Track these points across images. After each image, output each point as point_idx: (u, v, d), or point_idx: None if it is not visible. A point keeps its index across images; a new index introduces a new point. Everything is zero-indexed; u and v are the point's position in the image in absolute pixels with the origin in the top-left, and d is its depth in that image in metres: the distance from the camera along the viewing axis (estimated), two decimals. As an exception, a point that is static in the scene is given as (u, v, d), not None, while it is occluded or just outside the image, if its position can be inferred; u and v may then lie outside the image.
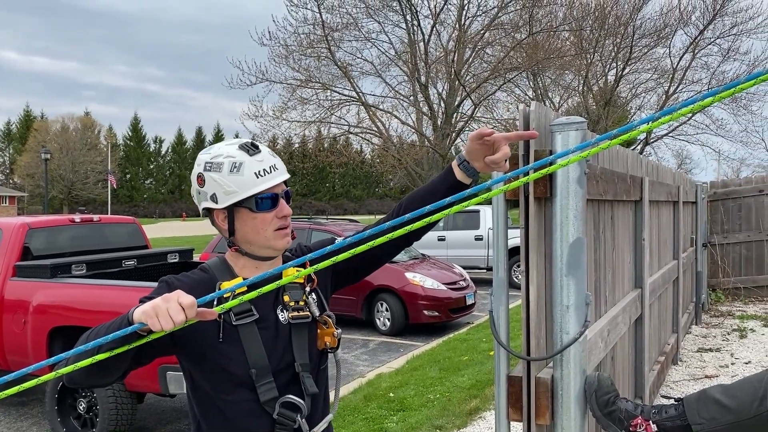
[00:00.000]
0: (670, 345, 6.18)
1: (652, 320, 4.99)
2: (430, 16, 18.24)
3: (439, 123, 19.33)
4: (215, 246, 10.24)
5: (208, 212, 1.64)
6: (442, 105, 19.52)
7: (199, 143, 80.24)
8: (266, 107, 18.87)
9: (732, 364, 6.63)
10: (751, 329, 8.22)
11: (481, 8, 18.68)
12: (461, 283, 9.45)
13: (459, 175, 1.67)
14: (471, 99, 19.13)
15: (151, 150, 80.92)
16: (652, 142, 25.35)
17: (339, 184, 78.84)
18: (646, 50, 21.80)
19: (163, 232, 35.77)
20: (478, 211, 13.99)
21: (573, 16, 19.03)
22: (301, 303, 1.66)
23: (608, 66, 22.42)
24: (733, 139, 23.61)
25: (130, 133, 79.58)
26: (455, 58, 18.47)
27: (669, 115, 1.12)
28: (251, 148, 1.60)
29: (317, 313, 1.68)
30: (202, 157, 1.62)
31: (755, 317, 9.02)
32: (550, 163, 1.45)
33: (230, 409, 1.57)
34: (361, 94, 18.67)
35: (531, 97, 23.18)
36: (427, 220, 1.34)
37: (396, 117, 19.85)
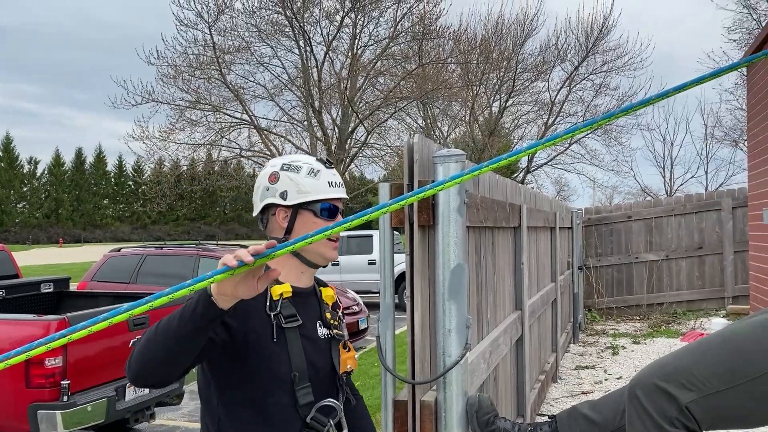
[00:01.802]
0: (549, 364, 6.51)
1: (533, 340, 5.25)
2: (323, 43, 18.44)
3: (333, 148, 19.46)
4: (95, 273, 9.65)
5: (264, 211, 1.73)
6: (336, 131, 19.68)
7: (79, 165, 75.65)
8: (153, 128, 18.03)
9: (605, 380, 7.08)
10: (622, 346, 8.82)
11: (372, 38, 19.12)
12: (354, 308, 9.49)
13: None
14: (364, 126, 19.43)
15: (24, 171, 75.36)
16: (533, 171, 26.83)
17: (230, 208, 76.94)
18: (527, 84, 23.16)
19: (36, 260, 33.26)
20: (371, 236, 14.24)
21: (460, 50, 19.88)
22: (336, 322, 1.78)
23: (493, 98, 23.56)
24: (606, 168, 25.52)
25: (0, 154, 73.85)
26: (348, 86, 18.73)
27: (523, 152, 1.21)
28: (327, 162, 1.77)
29: (346, 336, 1.80)
30: (277, 160, 1.77)
31: (626, 335, 9.69)
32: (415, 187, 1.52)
33: (267, 411, 1.60)
34: (253, 117, 18.46)
35: (421, 125, 23.90)
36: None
37: (290, 141, 19.77)
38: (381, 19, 18.67)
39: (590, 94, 23.27)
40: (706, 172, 27.58)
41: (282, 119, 19.70)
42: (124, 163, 75.37)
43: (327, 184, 1.72)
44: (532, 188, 22.14)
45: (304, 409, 1.61)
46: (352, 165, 21.72)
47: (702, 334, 8.70)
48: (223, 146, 19.11)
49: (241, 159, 20.24)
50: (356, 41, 18.78)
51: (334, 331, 1.75)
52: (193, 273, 8.62)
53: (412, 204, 2.23)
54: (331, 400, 1.65)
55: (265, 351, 1.58)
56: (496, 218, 3.51)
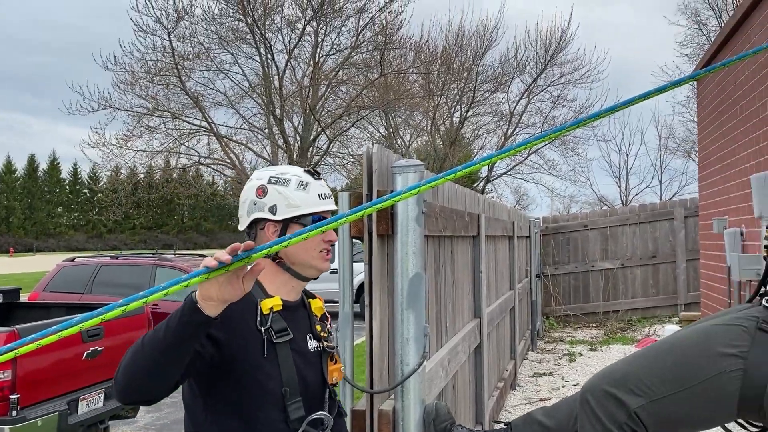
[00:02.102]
0: (508, 371, 6.59)
1: (491, 348, 5.31)
2: (285, 51, 18.39)
3: (294, 156, 19.37)
4: (47, 284, 9.38)
5: (252, 226, 1.70)
6: (298, 139, 19.61)
7: (32, 172, 73.47)
8: (109, 135, 17.66)
9: (563, 386, 7.19)
10: (579, 353, 8.98)
11: (335, 47, 19.15)
12: (314, 317, 9.44)
13: None
14: (326, 134, 19.42)
15: (-28, 178, 72.89)
16: (493, 180, 27.17)
17: (188, 216, 75.70)
18: (487, 95, 23.49)
19: (-15, 269, 32.16)
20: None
21: (421, 60, 20.05)
22: (326, 334, 1.77)
23: (453, 108, 23.82)
24: (564, 178, 26.01)
25: (-53, 159, 71.29)
26: (310, 94, 18.70)
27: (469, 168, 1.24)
28: (315, 174, 1.75)
29: (337, 348, 1.79)
30: (264, 173, 1.74)
31: (583, 342, 9.87)
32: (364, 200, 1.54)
33: (256, 424, 1.59)
34: (213, 124, 18.26)
35: (383, 134, 24.00)
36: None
37: (250, 149, 19.62)
38: (343, 28, 18.72)
39: (548, 105, 23.73)
40: (660, 182, 28.37)
41: (242, 127, 19.53)
42: (79, 170, 73.54)
43: (317, 197, 1.70)
44: (493, 197, 22.43)
45: (295, 423, 1.61)
46: (314, 173, 21.61)
47: (655, 340, 8.92)
48: (181, 154, 18.84)
49: (200, 167, 19.99)
50: (318, 50, 18.78)
51: (325, 343, 1.74)
52: (150, 283, 8.46)
53: (371, 214, 2.24)
54: (322, 413, 1.65)
55: (255, 366, 1.57)
56: (455, 227, 3.55)
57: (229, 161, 18.88)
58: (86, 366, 4.89)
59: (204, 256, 11.48)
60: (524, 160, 25.07)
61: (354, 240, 2.43)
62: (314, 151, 20.44)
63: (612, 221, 11.81)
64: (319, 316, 1.80)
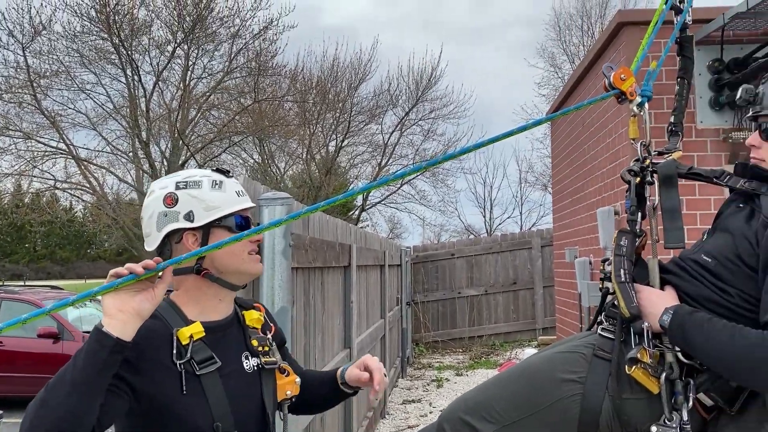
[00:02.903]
0: (378, 400, 6.65)
1: (362, 378, 5.33)
2: (153, 73, 17.72)
3: (160, 182, 18.58)
4: None
5: (165, 242, 1.52)
6: (165, 163, 18.85)
7: None
8: (-51, 155, 16.07)
9: (430, 413, 7.36)
10: (446, 379, 9.25)
11: (206, 71, 18.74)
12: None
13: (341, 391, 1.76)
14: (196, 159, 18.83)
15: None
16: (368, 209, 27.62)
17: (41, 244, 69.92)
18: (362, 125, 23.94)
19: None
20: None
21: (297, 89, 20.12)
22: (267, 348, 1.59)
23: (329, 137, 24.01)
24: (434, 208, 26.93)
25: None
26: (179, 117, 18.11)
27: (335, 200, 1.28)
28: (226, 172, 1.60)
29: (280, 361, 1.61)
30: (167, 180, 1.55)
31: (450, 367, 10.19)
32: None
33: None
34: (71, 146, 17.13)
35: (257, 161, 23.68)
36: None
37: (112, 173, 18.59)
38: (216, 52, 18.38)
39: (420, 138, 24.57)
40: (521, 213, 30.12)
41: (104, 150, 18.48)
42: None
43: (235, 195, 1.55)
44: (367, 226, 22.63)
45: None
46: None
47: (515, 363, 9.40)
48: (34, 177, 17.47)
49: (56, 191, 18.62)
50: (189, 73, 18.28)
51: (264, 359, 1.56)
52: (-7, 318, 7.69)
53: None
54: None
55: (176, 404, 1.40)
56: (326, 258, 3.57)
57: (88, 186, 17.75)
58: None
59: (58, 288, 10.62)
60: (397, 190, 25.73)
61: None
62: (183, 176, 19.72)
63: (477, 250, 12.38)
64: (259, 327, 1.62)
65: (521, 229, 28.24)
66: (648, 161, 1.89)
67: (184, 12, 16.83)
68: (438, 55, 29.91)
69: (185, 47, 17.65)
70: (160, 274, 1.34)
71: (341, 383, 1.73)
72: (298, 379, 1.63)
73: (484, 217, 30.05)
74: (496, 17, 36.75)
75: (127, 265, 1.22)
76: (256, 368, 1.56)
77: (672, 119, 2.03)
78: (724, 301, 1.63)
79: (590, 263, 6.74)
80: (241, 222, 1.56)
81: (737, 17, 4.72)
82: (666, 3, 1.95)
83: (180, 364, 1.41)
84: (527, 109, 26.97)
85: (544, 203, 28.35)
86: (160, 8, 17.01)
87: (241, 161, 23.06)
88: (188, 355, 1.43)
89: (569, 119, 7.84)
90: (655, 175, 1.87)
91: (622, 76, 1.86)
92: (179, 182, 1.53)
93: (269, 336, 1.63)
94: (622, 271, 1.76)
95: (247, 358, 1.55)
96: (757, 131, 1.73)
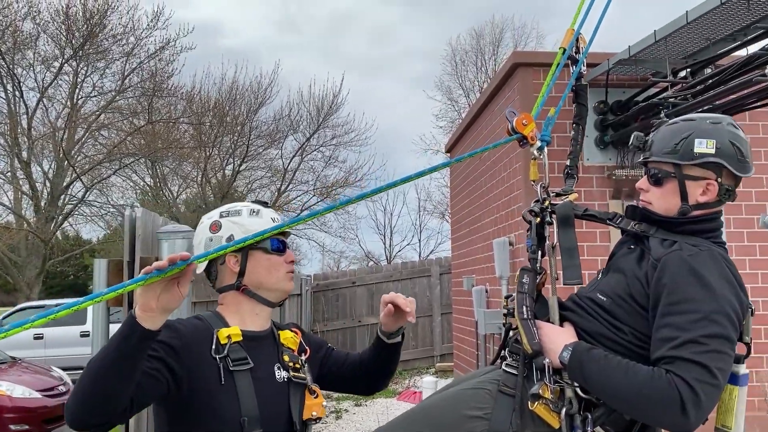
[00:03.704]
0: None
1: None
2: (36, 89, 16.69)
3: (42, 204, 17.41)
4: None
5: (212, 264, 1.73)
6: (48, 185, 17.70)
7: None
8: None
9: (330, 444, 7.25)
10: (345, 410, 9.16)
11: (96, 89, 17.89)
12: (60, 388, 8.37)
13: (384, 339, 1.93)
14: (82, 181, 17.82)
15: None
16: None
17: None
18: (261, 150, 23.61)
19: None
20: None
21: (193, 110, 19.60)
22: (298, 366, 1.72)
23: (226, 161, 23.50)
24: (335, 235, 26.88)
25: None
26: (65, 137, 17.11)
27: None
28: (264, 203, 1.82)
29: (311, 382, 1.73)
30: (213, 212, 1.80)
31: (349, 398, 10.10)
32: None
33: None
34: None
35: (149, 184, 22.73)
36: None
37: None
38: (107, 70, 17.60)
39: (321, 164, 24.56)
40: (420, 241, 30.71)
41: (-22, 169, 17.13)
42: None
43: (271, 221, 1.75)
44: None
45: None
46: (66, 223, 19.64)
47: (415, 392, 9.48)
48: None
49: None
50: (77, 90, 17.36)
51: (293, 373, 1.69)
52: None
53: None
54: None
55: (211, 394, 1.56)
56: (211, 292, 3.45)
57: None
58: None
59: None
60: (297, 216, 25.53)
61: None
62: (67, 199, 18.61)
63: (378, 278, 12.46)
64: (296, 348, 1.76)
65: (420, 256, 28.77)
66: (547, 202, 1.97)
67: (74, 27, 16.02)
68: (340, 83, 30.01)
69: (74, 64, 16.79)
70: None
71: (385, 338, 1.91)
72: (325, 402, 1.76)
73: (384, 244, 30.38)
74: (397, 50, 37.73)
75: (155, 263, 1.36)
76: (285, 380, 1.69)
77: (568, 162, 2.14)
78: (618, 338, 1.72)
79: (486, 291, 6.95)
80: (278, 245, 1.76)
81: (620, 63, 5.10)
82: (563, 53, 2.06)
83: (219, 358, 1.58)
84: (426, 139, 27.82)
85: (442, 231, 29.07)
86: (47, 22, 16.11)
87: (131, 184, 22.05)
88: (225, 352, 1.60)
89: (466, 151, 8.11)
90: (553, 215, 1.96)
91: (524, 121, 1.94)
92: (223, 212, 1.77)
93: (303, 358, 1.77)
94: (524, 307, 1.82)
95: (279, 369, 1.70)
96: (646, 176, 1.86)
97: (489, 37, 26.50)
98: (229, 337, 1.62)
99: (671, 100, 4.70)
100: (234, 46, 32.48)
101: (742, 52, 4.51)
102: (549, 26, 34.21)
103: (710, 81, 4.54)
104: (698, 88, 4.57)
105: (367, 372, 1.93)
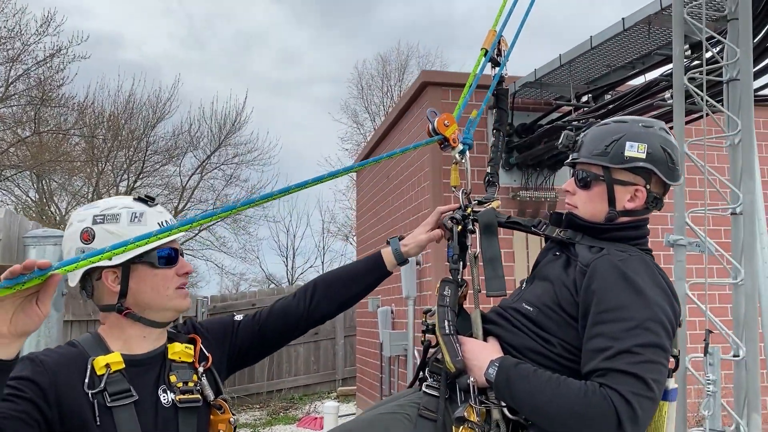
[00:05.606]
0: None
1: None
2: None
3: None
4: None
5: (86, 278, 1.46)
6: None
7: None
8: None
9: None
10: (242, 437, 8.71)
11: (-24, 95, 16.49)
12: None
13: (390, 264, 1.77)
14: (-46, 194, 16.28)
15: None
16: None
17: None
18: (158, 166, 22.61)
19: None
20: None
21: (85, 123, 18.50)
22: (191, 384, 1.48)
23: (120, 177, 22.33)
24: (234, 256, 26.06)
25: None
26: (-64, 145, 15.61)
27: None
28: (149, 200, 1.51)
29: (212, 397, 1.50)
30: (85, 212, 1.48)
31: (246, 425, 9.63)
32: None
33: None
34: None
35: (34, 199, 21.17)
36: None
37: None
38: (-11, 75, 16.28)
39: (222, 183, 23.83)
40: (323, 263, 30.38)
41: None
42: None
43: (158, 227, 1.45)
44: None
45: None
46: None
47: (316, 418, 9.16)
48: None
49: None
50: (-48, 95, 15.94)
51: (179, 396, 1.45)
52: None
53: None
54: None
55: None
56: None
57: None
58: None
59: None
60: (195, 236, 24.56)
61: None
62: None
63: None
64: (191, 359, 1.51)
65: (322, 278, 28.39)
66: (469, 209, 1.85)
67: (-51, 26, 14.75)
68: (243, 101, 29.35)
69: (-51, 65, 15.43)
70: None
71: (398, 262, 1.78)
72: (233, 419, 1.53)
73: (286, 265, 29.81)
74: (302, 72, 37.55)
75: (5, 272, 1.06)
76: (170, 404, 1.47)
77: (489, 170, 2.05)
78: (546, 352, 1.60)
79: (392, 312, 6.83)
80: (168, 253, 1.49)
81: (526, 86, 5.19)
82: (485, 55, 1.97)
83: (91, 394, 1.36)
84: (330, 161, 27.60)
85: (345, 253, 28.92)
86: None
87: (14, 198, 20.42)
88: (102, 385, 1.37)
89: (374, 171, 8.03)
90: (476, 223, 1.84)
91: (446, 122, 1.83)
92: (96, 216, 1.47)
93: (201, 370, 1.53)
94: (446, 322, 1.67)
95: (165, 392, 1.47)
96: (574, 178, 1.77)
97: (395, 63, 26.91)
98: (108, 365, 1.39)
99: (574, 123, 4.82)
100: (134, 59, 31.06)
101: (641, 80, 4.71)
102: (452, 57, 35.24)
103: (611, 106, 4.70)
104: (600, 112, 4.72)
105: (326, 296, 1.72)
